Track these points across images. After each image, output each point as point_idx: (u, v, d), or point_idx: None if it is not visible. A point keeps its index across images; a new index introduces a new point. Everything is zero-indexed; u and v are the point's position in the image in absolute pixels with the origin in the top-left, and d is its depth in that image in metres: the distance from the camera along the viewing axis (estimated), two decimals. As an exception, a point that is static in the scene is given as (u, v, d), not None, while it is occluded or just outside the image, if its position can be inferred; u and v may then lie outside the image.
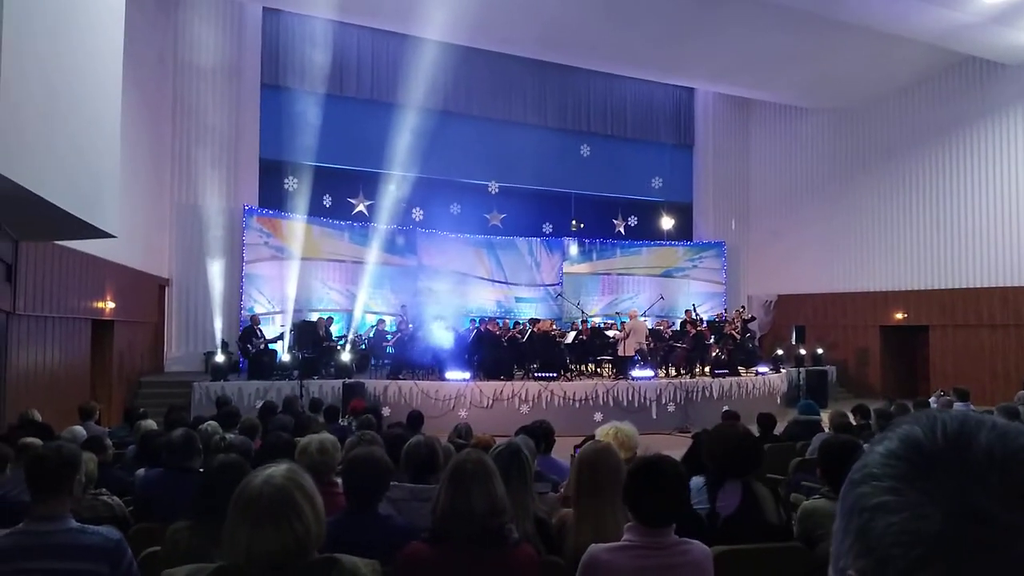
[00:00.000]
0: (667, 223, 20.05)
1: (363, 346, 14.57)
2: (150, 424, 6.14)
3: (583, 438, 4.94)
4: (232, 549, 1.65)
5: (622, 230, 20.23)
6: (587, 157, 19.51)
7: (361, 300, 16.14)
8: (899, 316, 17.16)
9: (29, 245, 8.12)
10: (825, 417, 7.31)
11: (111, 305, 10.93)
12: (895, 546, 0.53)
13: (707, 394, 12.91)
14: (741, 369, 14.29)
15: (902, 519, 0.53)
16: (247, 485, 1.71)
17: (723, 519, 3.02)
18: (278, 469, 1.75)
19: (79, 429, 5.91)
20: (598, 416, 11.40)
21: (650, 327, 14.59)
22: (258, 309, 14.83)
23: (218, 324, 14.58)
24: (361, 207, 17.14)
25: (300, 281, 15.59)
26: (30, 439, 4.57)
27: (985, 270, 15.63)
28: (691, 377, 13.42)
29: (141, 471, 4.51)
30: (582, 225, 19.62)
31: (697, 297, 19.03)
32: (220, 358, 12.93)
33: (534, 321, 14.43)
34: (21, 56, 4.50)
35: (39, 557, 2.41)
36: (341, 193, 17.04)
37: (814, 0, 13.15)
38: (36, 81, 4.88)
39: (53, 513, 2.49)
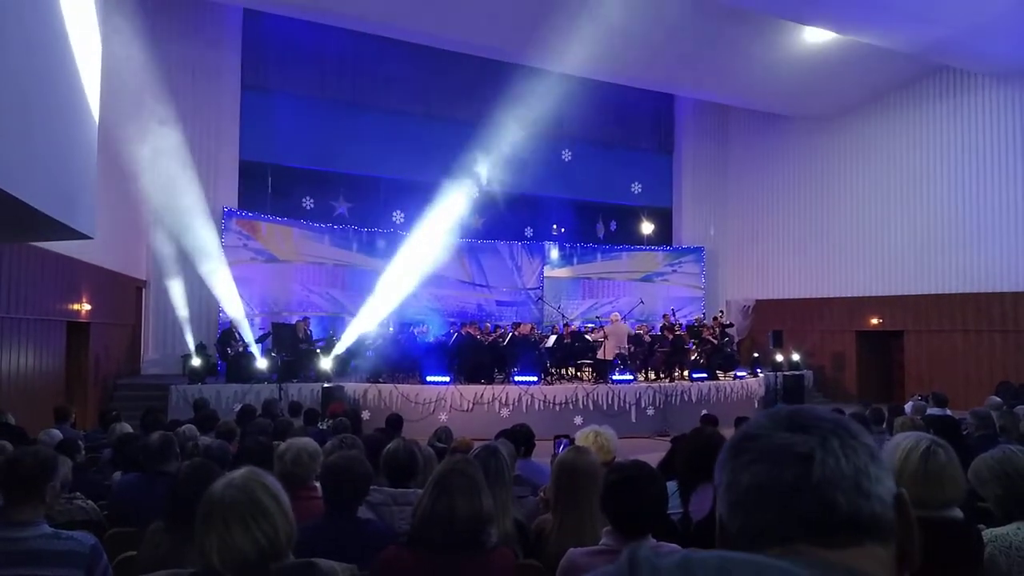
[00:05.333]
0: (647, 228, 20.20)
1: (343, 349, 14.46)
2: (124, 427, 6.06)
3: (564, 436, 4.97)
4: (204, 556, 1.64)
5: (602, 235, 20.32)
6: (568, 162, 19.52)
7: (341, 303, 16.04)
8: (875, 321, 17.36)
9: (3, 246, 8.01)
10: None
11: (87, 307, 10.79)
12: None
13: (686, 398, 13.01)
14: (719, 373, 14.40)
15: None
16: (210, 491, 1.69)
17: (695, 523, 3.04)
18: (239, 471, 1.74)
19: (56, 432, 5.83)
20: (578, 420, 11.44)
21: (630, 331, 14.65)
22: (237, 312, 14.68)
23: (196, 327, 14.43)
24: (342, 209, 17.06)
25: (279, 284, 15.47)
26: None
27: (958, 276, 15.85)
28: (670, 381, 13.51)
29: (117, 475, 4.46)
30: (563, 230, 19.67)
31: (676, 302, 19.11)
32: (198, 361, 12.79)
33: (516, 325, 14.44)
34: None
35: (12, 564, 2.38)
36: (322, 196, 16.93)
37: (792, 9, 13.31)
38: (11, 83, 4.83)
39: (26, 519, 2.46)
